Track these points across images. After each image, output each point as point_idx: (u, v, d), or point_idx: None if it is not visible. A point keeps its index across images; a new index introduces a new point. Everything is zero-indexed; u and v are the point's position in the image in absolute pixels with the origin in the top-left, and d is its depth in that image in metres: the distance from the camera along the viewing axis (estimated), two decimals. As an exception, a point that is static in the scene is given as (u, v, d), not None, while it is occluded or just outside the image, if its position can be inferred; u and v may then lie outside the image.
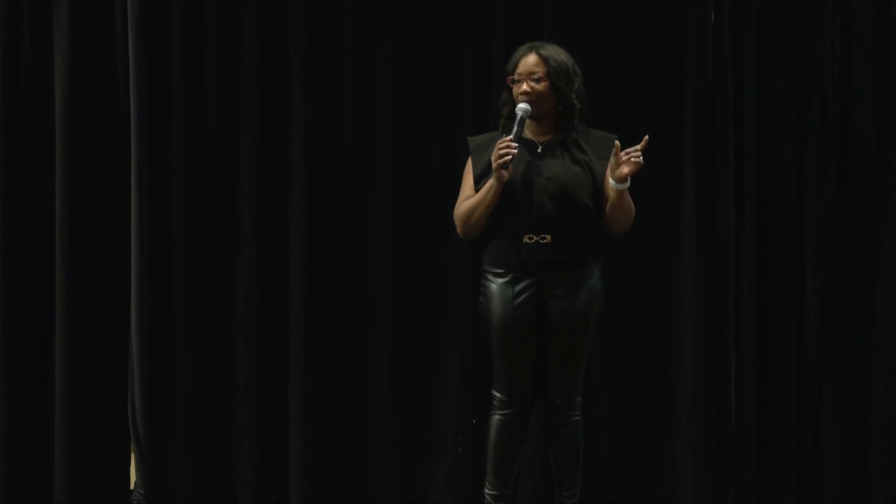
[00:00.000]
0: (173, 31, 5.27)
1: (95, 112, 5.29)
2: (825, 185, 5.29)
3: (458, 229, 4.61)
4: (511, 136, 4.43)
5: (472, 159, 4.63)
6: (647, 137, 4.41)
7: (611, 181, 4.43)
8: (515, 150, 4.41)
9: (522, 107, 4.49)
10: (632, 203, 4.50)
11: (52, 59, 5.28)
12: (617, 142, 4.41)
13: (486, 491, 4.66)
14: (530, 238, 4.49)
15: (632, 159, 4.37)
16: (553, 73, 4.53)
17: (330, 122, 5.31)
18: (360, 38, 5.29)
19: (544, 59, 4.54)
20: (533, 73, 4.53)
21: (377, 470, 5.33)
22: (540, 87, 4.52)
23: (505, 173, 4.42)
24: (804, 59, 5.30)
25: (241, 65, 5.29)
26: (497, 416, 4.60)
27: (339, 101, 5.31)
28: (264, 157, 5.30)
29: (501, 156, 4.39)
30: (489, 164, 4.50)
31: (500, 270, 4.54)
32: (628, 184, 4.43)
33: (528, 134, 4.57)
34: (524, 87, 4.52)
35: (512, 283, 4.52)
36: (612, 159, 4.41)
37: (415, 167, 5.30)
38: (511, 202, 4.48)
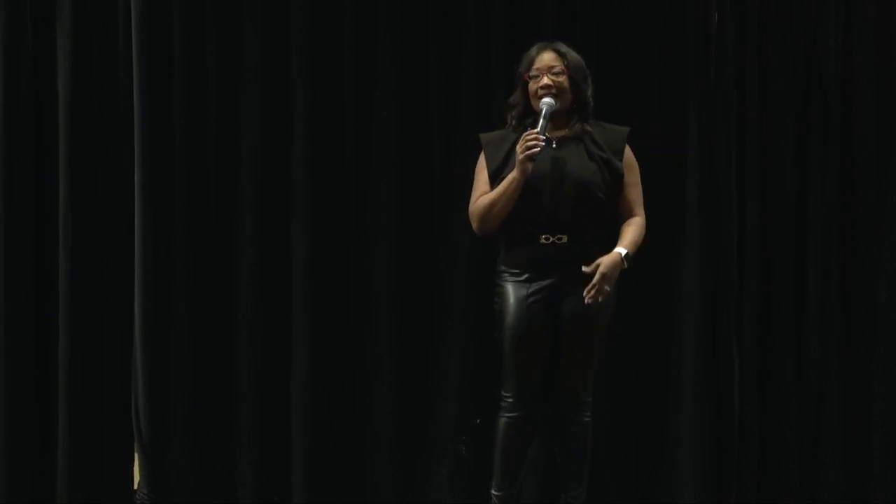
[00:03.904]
0: (174, 32, 5.28)
1: (96, 112, 5.30)
2: (826, 185, 5.29)
3: (476, 225, 4.55)
4: (538, 130, 4.39)
5: (485, 154, 4.58)
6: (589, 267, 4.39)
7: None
8: (543, 143, 4.37)
9: (548, 101, 4.46)
10: (641, 235, 4.56)
11: (55, 60, 5.29)
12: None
13: (493, 492, 4.65)
14: (546, 238, 4.48)
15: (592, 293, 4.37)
16: (571, 68, 4.53)
17: (330, 122, 5.31)
18: (360, 38, 5.29)
19: (562, 55, 4.55)
20: (552, 66, 4.52)
21: (377, 470, 5.33)
22: (560, 80, 4.51)
23: (530, 166, 4.38)
24: (804, 59, 5.30)
25: (241, 65, 5.29)
26: (505, 419, 4.59)
27: (339, 101, 5.31)
28: (264, 156, 5.30)
29: (529, 147, 4.35)
30: (505, 158, 4.50)
31: (517, 271, 4.52)
32: (626, 264, 4.46)
33: None
34: (545, 80, 4.50)
35: (527, 282, 4.50)
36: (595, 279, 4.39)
37: (415, 167, 5.30)
38: (527, 201, 4.45)
